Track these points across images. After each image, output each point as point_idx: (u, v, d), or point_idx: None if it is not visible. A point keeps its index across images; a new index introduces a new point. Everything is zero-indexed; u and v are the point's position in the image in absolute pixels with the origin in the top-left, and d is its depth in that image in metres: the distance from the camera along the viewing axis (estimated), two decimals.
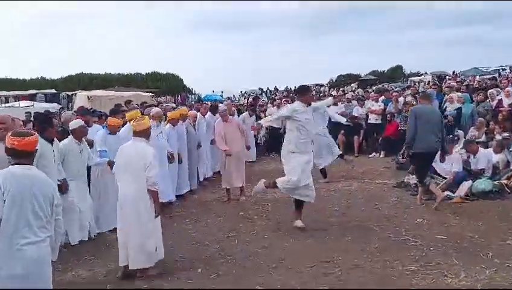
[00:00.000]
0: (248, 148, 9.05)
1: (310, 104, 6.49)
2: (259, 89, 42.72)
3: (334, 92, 26.60)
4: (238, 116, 11.66)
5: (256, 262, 5.30)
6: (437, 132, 7.12)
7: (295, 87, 38.09)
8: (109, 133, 7.06)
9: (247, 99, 29.70)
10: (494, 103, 10.91)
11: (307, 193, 6.34)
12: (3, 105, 26.40)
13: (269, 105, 16.29)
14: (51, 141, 5.85)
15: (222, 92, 42.44)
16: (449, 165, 7.93)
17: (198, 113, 10.09)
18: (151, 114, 7.90)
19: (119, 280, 4.98)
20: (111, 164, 6.02)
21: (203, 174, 9.94)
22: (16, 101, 28.10)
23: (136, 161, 4.95)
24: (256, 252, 5.62)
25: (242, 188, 8.43)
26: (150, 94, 26.90)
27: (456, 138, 9.70)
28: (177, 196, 8.44)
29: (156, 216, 5.01)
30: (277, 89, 40.82)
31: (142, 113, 9.55)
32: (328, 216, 6.93)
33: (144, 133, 5.14)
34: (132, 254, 4.95)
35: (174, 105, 14.08)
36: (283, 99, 16.23)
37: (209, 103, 13.15)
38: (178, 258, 5.58)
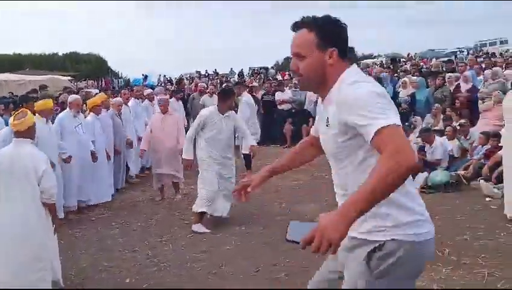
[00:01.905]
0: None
1: None
2: (197, 72, 42.27)
3: (279, 76, 26.82)
4: None
5: (193, 269, 5.27)
6: None
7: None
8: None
9: (164, 83, 29.05)
10: (452, 88, 11.29)
11: None
12: None
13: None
14: None
15: (160, 75, 41.35)
16: None
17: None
18: (68, 101, 7.63)
19: None
20: None
21: (135, 170, 9.89)
22: None
23: (23, 169, 4.42)
24: (193, 257, 5.59)
25: (177, 185, 8.27)
26: (69, 78, 26.05)
27: (412, 125, 10.06)
28: None
29: (54, 233, 4.69)
30: (217, 73, 40.57)
31: (57, 98, 9.28)
32: (274, 214, 6.99)
33: (28, 133, 4.63)
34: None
35: (97, 91, 13.68)
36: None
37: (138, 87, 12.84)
38: (102, 267, 5.44)
